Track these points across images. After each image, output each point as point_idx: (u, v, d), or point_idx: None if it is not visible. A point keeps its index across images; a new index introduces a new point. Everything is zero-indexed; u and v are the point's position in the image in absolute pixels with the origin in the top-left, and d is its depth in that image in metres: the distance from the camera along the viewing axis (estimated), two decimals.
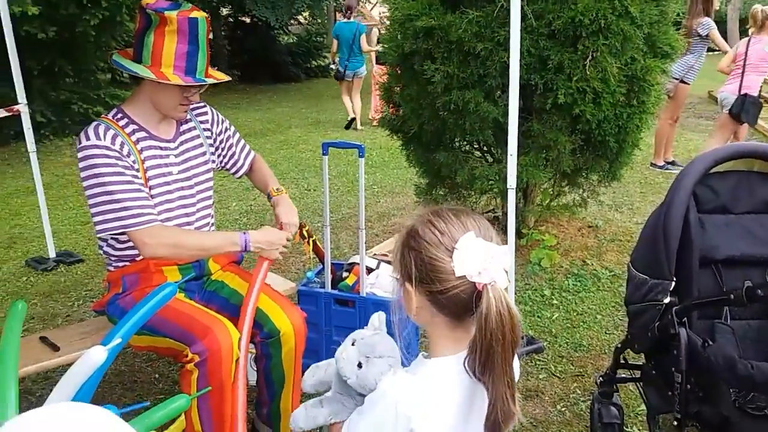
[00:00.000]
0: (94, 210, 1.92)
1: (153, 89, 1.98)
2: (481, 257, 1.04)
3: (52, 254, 4.16)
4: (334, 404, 1.35)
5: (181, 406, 1.43)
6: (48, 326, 3.26)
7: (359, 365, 1.27)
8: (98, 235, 1.99)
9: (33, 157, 4.11)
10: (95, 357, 1.38)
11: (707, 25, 5.72)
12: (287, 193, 2.34)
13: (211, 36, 2.06)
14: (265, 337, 2.09)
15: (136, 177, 1.95)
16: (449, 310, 1.10)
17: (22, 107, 3.98)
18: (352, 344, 1.30)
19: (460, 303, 1.07)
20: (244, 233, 2.03)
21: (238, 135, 2.38)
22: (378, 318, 1.33)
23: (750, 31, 5.72)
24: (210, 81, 1.99)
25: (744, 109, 5.43)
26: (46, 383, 2.74)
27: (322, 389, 1.45)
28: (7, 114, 4.08)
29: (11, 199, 5.71)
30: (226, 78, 2.07)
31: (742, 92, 5.47)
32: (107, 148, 1.90)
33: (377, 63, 8.56)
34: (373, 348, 1.28)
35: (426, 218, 1.12)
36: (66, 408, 0.63)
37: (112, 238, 2.06)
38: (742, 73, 5.49)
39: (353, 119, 8.90)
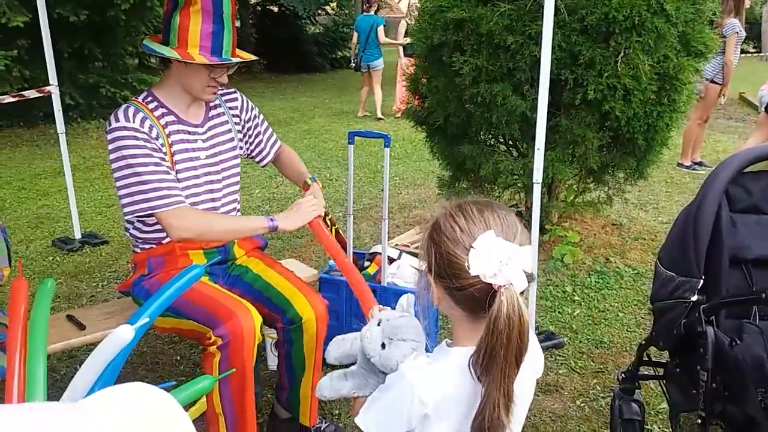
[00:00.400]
0: (122, 192, 1.93)
1: (181, 71, 1.99)
2: (497, 258, 1.02)
3: (78, 235, 4.22)
4: (358, 379, 1.36)
5: (205, 388, 1.45)
6: (73, 305, 3.31)
7: (383, 346, 1.27)
8: (126, 217, 2.00)
9: (62, 138, 4.16)
10: (123, 335, 1.40)
11: (731, 26, 5.58)
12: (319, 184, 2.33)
13: (237, 18, 2.05)
14: (287, 323, 2.10)
15: (163, 159, 1.96)
16: (465, 305, 1.09)
17: (53, 89, 4.03)
18: (378, 324, 1.30)
19: (475, 301, 1.05)
20: (272, 219, 2.02)
21: (266, 124, 2.38)
22: (407, 300, 1.32)
23: None
24: (236, 60, 1.98)
25: None
26: (70, 361, 2.79)
27: (346, 362, 1.46)
28: (38, 95, 4.15)
29: (39, 180, 5.80)
30: (253, 57, 2.07)
31: None
32: (136, 130, 1.91)
33: (405, 55, 8.51)
34: (398, 330, 1.27)
35: (449, 212, 1.10)
36: (139, 389, 0.63)
37: (138, 221, 2.07)
38: None
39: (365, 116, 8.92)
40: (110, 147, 1.93)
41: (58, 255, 4.04)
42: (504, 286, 1.01)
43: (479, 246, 1.03)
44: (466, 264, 1.04)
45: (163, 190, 1.91)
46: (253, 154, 2.36)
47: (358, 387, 1.36)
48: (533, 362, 1.17)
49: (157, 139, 1.96)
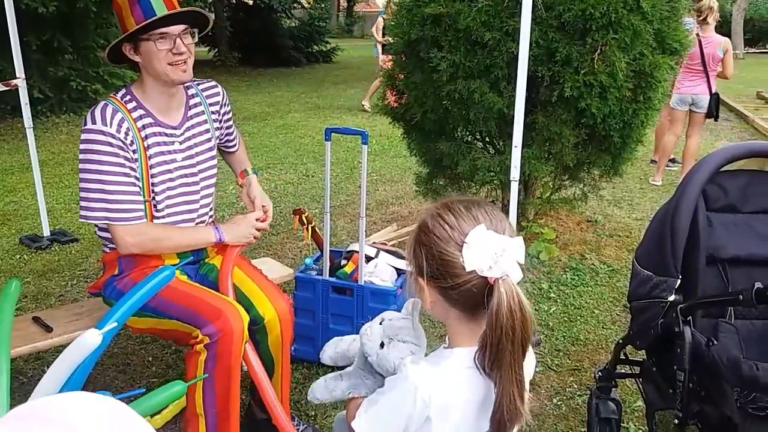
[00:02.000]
0: (83, 194, 1.91)
1: (144, 62, 1.93)
2: (491, 251, 1.01)
3: (46, 232, 4.11)
4: (354, 378, 1.36)
5: (178, 393, 1.41)
6: (41, 306, 3.22)
7: (381, 345, 1.29)
8: (80, 220, 1.98)
9: (30, 133, 4.05)
10: (90, 340, 1.35)
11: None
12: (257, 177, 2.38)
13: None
14: (250, 323, 2.06)
15: (133, 170, 1.93)
16: (462, 304, 1.07)
17: (20, 82, 3.92)
18: (380, 323, 1.30)
19: (472, 298, 1.04)
20: (217, 228, 2.10)
21: (232, 120, 2.39)
22: (412, 304, 1.31)
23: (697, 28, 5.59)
24: (167, 12, 1.86)
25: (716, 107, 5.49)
26: (37, 363, 2.71)
27: (341, 363, 1.44)
28: (4, 88, 4.02)
29: (6, 176, 5.65)
30: (196, 9, 1.98)
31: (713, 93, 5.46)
32: (112, 135, 1.87)
33: (383, 53, 8.46)
34: (398, 331, 1.29)
35: (436, 212, 1.08)
36: (79, 398, 0.59)
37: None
38: (707, 75, 5.43)
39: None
40: (82, 146, 1.90)
41: (26, 253, 3.94)
42: (501, 278, 1.00)
43: (472, 241, 1.02)
44: (460, 261, 1.02)
45: (125, 203, 1.91)
46: (222, 143, 2.35)
47: (354, 387, 1.35)
48: (527, 363, 1.16)
49: (131, 144, 1.92)
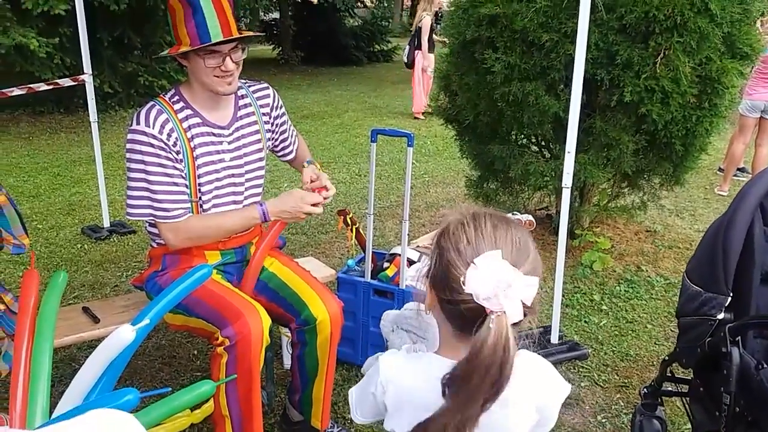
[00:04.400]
0: (130, 192, 1.96)
1: (191, 68, 1.95)
2: (496, 281, 0.94)
3: (106, 224, 4.26)
4: None
5: (206, 393, 1.42)
6: (96, 295, 3.34)
7: (393, 331, 1.40)
8: (126, 217, 2.03)
9: (94, 127, 4.21)
10: (124, 336, 1.38)
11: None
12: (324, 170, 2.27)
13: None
14: (301, 324, 2.06)
15: (176, 169, 1.95)
16: (452, 321, 1.04)
17: (87, 77, 4.07)
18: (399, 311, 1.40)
19: (463, 318, 1.00)
20: (261, 204, 2.04)
21: (290, 123, 2.35)
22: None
23: None
24: (219, 39, 1.86)
25: None
26: (89, 351, 2.78)
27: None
28: (72, 83, 4.19)
29: (74, 167, 5.89)
30: (249, 34, 2.00)
31: None
32: (153, 137, 1.90)
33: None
34: (405, 321, 1.38)
35: (462, 219, 1.04)
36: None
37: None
38: None
39: None
40: (127, 146, 1.95)
41: (86, 243, 4.09)
42: (496, 312, 0.94)
43: (481, 264, 0.96)
44: (462, 279, 0.97)
45: (167, 203, 1.94)
46: (278, 149, 2.34)
47: None
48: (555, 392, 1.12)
49: (174, 146, 1.95)
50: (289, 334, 2.59)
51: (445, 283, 1.00)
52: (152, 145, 1.91)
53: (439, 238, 1.05)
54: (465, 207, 1.08)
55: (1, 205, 1.84)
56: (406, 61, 8.90)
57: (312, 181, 2.09)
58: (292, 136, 2.35)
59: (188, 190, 2.00)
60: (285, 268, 2.17)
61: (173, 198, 1.95)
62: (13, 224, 1.89)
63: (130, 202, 1.96)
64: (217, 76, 1.93)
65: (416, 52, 8.57)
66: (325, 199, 2.05)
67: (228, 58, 1.92)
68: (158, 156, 1.91)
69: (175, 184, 1.96)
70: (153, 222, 2.02)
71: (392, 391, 1.10)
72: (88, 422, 0.60)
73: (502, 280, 0.94)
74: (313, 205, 2.01)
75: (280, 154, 2.36)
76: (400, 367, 1.12)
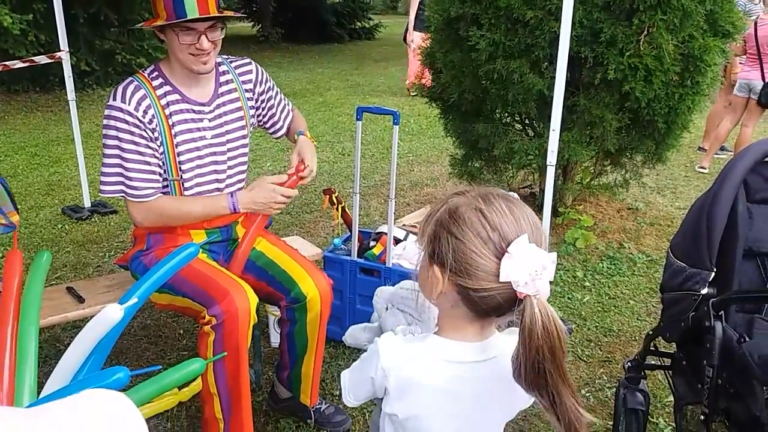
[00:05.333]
0: (104, 169, 1.95)
1: (168, 44, 1.92)
2: (532, 267, 0.93)
3: (87, 204, 4.21)
4: (373, 334, 1.43)
5: (196, 371, 1.42)
6: (79, 275, 3.30)
7: (387, 309, 1.37)
8: (99, 194, 2.03)
9: (72, 105, 4.13)
10: (111, 315, 1.37)
11: (746, 7, 5.44)
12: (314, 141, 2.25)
13: None
14: (291, 302, 2.06)
15: (149, 148, 1.93)
16: (476, 307, 1.01)
17: (64, 54, 3.98)
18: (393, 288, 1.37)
19: (493, 306, 0.98)
20: (232, 194, 2.02)
21: (279, 96, 2.30)
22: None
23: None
24: (194, 15, 1.82)
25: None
26: (74, 331, 2.78)
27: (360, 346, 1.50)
28: (49, 61, 4.10)
29: (52, 146, 5.80)
30: (229, 14, 1.95)
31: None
32: (129, 113, 1.88)
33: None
34: (401, 300, 1.34)
35: (475, 204, 0.99)
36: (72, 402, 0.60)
37: None
38: (760, 61, 5.17)
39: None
40: (104, 122, 1.94)
41: (67, 223, 4.04)
42: (533, 295, 0.93)
43: (515, 252, 0.94)
44: (493, 267, 0.95)
45: (137, 181, 1.93)
46: (267, 126, 2.30)
47: (370, 341, 1.40)
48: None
49: (150, 122, 1.92)
50: (276, 313, 2.59)
51: (471, 273, 0.97)
52: (127, 122, 1.88)
53: (447, 224, 1.00)
54: (465, 190, 1.04)
55: None
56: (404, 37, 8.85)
57: (298, 171, 2.10)
58: (281, 112, 2.30)
59: (160, 170, 1.98)
60: (273, 247, 2.16)
61: (144, 177, 1.94)
62: (2, 202, 1.87)
63: (103, 179, 1.95)
64: (192, 54, 1.89)
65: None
66: (301, 180, 2.08)
67: (203, 37, 1.87)
68: (132, 133, 1.89)
69: (147, 163, 1.94)
70: (123, 198, 1.99)
71: (396, 375, 1.07)
72: (81, 402, 0.59)
73: (536, 264, 0.93)
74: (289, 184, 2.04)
75: (270, 130, 2.32)
76: (402, 351, 1.09)
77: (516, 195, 1.06)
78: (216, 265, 2.02)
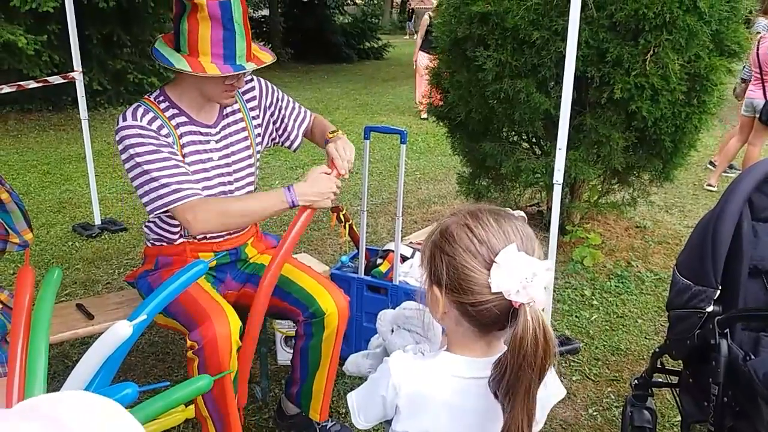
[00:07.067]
0: (139, 191, 1.88)
1: (196, 77, 1.88)
2: (522, 275, 0.95)
3: (97, 221, 4.25)
4: (376, 360, 1.42)
5: (203, 387, 1.43)
6: (89, 292, 3.33)
7: (392, 331, 1.37)
8: (150, 216, 1.96)
9: (85, 124, 4.19)
10: (121, 332, 1.39)
11: (758, 26, 5.47)
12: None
13: (249, 16, 1.93)
14: (309, 317, 2.05)
15: (173, 153, 1.89)
16: (477, 321, 1.03)
17: (77, 74, 4.05)
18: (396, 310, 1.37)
19: (491, 318, 1.00)
20: (290, 188, 1.89)
21: (292, 104, 2.25)
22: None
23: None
24: (251, 67, 1.87)
25: None
26: (83, 347, 2.80)
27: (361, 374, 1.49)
28: (62, 81, 4.17)
29: (64, 165, 5.87)
30: (271, 59, 1.96)
31: None
32: (141, 127, 1.85)
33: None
34: (407, 320, 1.35)
35: (463, 221, 1.02)
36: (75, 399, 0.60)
37: (159, 218, 2.03)
38: (762, 80, 5.18)
39: None
40: (119, 147, 1.88)
41: (78, 240, 4.07)
42: (527, 303, 0.95)
43: (502, 261, 0.96)
44: (484, 279, 0.97)
45: (173, 185, 1.83)
46: (282, 140, 2.25)
47: (374, 367, 1.39)
48: (548, 395, 1.12)
49: (167, 137, 1.90)
50: (284, 330, 2.61)
51: (465, 288, 0.99)
52: (141, 135, 1.84)
53: (440, 244, 1.03)
54: (457, 208, 1.08)
55: (3, 201, 1.83)
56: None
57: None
58: (294, 120, 2.23)
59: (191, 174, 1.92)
60: (287, 265, 2.16)
61: (181, 179, 1.85)
62: (16, 220, 1.88)
63: (143, 200, 1.88)
64: (226, 90, 1.92)
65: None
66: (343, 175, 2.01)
67: (243, 77, 1.95)
68: (149, 144, 1.84)
69: (177, 165, 1.87)
70: (167, 212, 1.89)
71: (406, 393, 1.07)
72: (70, 402, 0.59)
73: (526, 272, 0.95)
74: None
75: (286, 144, 2.26)
76: (413, 368, 1.09)
77: (522, 213, 1.08)
78: (209, 288, 2.00)
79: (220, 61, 1.82)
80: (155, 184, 1.84)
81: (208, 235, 2.07)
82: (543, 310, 0.98)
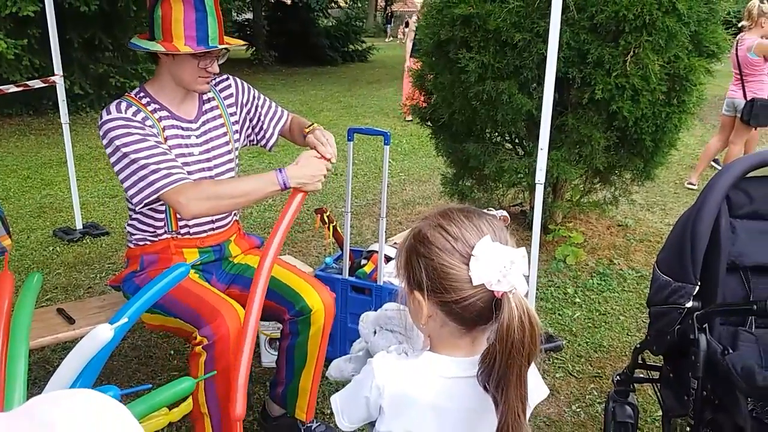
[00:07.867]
0: (125, 183, 1.87)
1: (170, 64, 1.95)
2: (500, 263, 0.96)
3: (79, 225, 4.21)
4: (359, 363, 1.41)
5: (186, 389, 1.43)
6: (70, 297, 3.30)
7: (375, 332, 1.36)
8: (137, 207, 1.95)
9: (65, 128, 4.15)
10: (102, 335, 1.38)
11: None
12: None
13: (233, 19, 2.00)
14: (295, 315, 2.05)
15: (159, 143, 1.90)
16: (462, 319, 1.03)
17: (57, 78, 4.01)
18: (377, 312, 1.37)
19: (476, 312, 1.00)
20: (281, 170, 1.89)
21: (268, 103, 2.27)
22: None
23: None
24: (223, 47, 1.94)
25: (753, 115, 5.23)
26: (64, 352, 2.77)
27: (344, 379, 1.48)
28: (43, 85, 4.14)
29: (44, 169, 5.81)
30: (241, 43, 2.02)
31: (749, 98, 5.26)
32: (126, 119, 1.87)
33: (411, 55, 8.34)
34: (389, 321, 1.35)
35: (435, 222, 1.03)
36: (73, 397, 0.60)
37: (142, 214, 2.04)
38: (742, 80, 5.27)
39: None
40: (104, 141, 1.89)
41: (59, 245, 4.03)
42: (509, 291, 0.96)
43: (479, 253, 0.97)
44: (465, 274, 0.98)
45: (163, 170, 1.83)
46: (258, 138, 2.27)
47: (357, 370, 1.39)
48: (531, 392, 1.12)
49: (152, 128, 1.92)
50: (268, 332, 2.60)
51: (447, 286, 0.99)
52: (127, 126, 1.86)
53: (416, 247, 1.03)
54: (426, 212, 1.09)
55: None
56: None
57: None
58: (270, 120, 2.25)
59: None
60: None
61: (169, 164, 1.86)
62: None
63: (129, 192, 1.87)
64: (201, 76, 1.96)
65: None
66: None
67: (216, 61, 1.98)
68: (136, 134, 1.86)
69: (165, 153, 1.88)
70: (157, 201, 1.89)
71: (390, 393, 1.07)
72: (69, 401, 0.59)
73: (504, 260, 0.96)
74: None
75: (262, 142, 2.27)
76: (397, 368, 1.09)
77: (505, 212, 1.10)
78: (207, 285, 2.03)
79: (193, 43, 1.89)
80: (145, 171, 1.84)
81: (192, 231, 2.09)
82: (526, 295, 0.99)
